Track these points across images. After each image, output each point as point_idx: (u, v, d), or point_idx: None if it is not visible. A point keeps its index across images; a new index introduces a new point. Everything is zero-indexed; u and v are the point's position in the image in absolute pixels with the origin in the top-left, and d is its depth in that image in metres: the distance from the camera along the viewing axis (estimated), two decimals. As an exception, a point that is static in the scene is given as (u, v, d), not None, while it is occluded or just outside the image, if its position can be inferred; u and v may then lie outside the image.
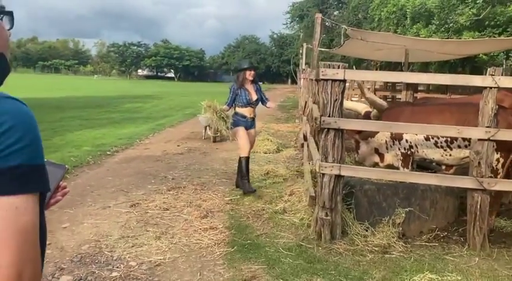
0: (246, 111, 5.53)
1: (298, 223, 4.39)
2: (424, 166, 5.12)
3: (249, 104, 5.50)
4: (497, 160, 4.11)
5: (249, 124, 5.62)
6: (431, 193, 4.14)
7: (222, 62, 79.84)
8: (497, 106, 3.74)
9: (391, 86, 16.10)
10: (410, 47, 11.19)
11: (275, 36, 72.26)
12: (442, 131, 3.83)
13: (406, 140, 4.51)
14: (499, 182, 3.68)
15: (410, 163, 4.53)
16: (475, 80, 3.70)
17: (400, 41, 11.13)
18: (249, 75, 5.49)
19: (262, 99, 5.73)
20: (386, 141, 4.68)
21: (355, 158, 5.15)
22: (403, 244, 3.89)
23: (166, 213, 4.83)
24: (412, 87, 8.03)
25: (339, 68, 3.79)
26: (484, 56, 14.45)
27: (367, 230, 4.05)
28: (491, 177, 4.07)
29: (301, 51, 21.24)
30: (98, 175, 6.62)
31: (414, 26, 16.30)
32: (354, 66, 25.91)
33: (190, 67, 79.34)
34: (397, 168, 4.62)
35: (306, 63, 22.42)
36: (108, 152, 8.29)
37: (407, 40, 11.19)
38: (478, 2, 5.71)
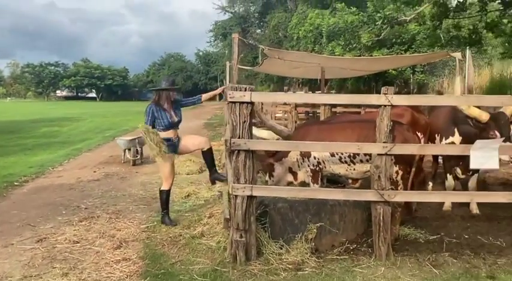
0: (170, 134, 5.07)
1: (215, 247, 4.33)
2: (335, 180, 5.33)
3: (172, 126, 5.08)
4: (397, 172, 4.39)
5: (176, 146, 5.18)
6: (340, 207, 4.31)
7: (147, 80, 78.15)
8: (392, 122, 4.03)
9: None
10: (325, 65, 11.73)
11: (201, 53, 72.41)
12: (344, 148, 4.03)
13: (314, 157, 4.68)
14: (398, 193, 3.93)
15: (319, 179, 4.70)
16: (371, 99, 3.95)
17: (315, 59, 11.65)
18: (172, 95, 5.10)
19: (189, 103, 5.52)
20: (297, 159, 4.82)
21: (267, 182, 5.17)
22: (316, 259, 3.99)
23: (76, 246, 4.55)
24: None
25: (245, 90, 3.85)
26: (393, 71, 15.62)
27: (281, 248, 4.11)
28: (392, 189, 4.35)
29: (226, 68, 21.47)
30: (2, 208, 6.09)
31: (330, 44, 17.23)
32: (275, 83, 26.75)
33: (113, 86, 76.76)
34: (309, 184, 4.77)
35: (229, 81, 22.70)
36: (15, 183, 7.69)
37: (321, 58, 11.73)
38: (377, 23, 6.19)
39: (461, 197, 4.23)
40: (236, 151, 3.88)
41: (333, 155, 4.59)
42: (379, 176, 3.85)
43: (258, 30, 33.23)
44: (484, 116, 4.52)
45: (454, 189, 5.70)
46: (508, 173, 8.01)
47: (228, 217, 4.10)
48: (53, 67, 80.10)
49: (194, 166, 8.75)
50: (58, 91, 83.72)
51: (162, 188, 5.25)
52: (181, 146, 5.26)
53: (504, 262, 3.89)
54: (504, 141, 4.36)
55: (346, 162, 4.60)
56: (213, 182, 5.46)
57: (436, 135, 5.75)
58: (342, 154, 4.54)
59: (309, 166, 4.75)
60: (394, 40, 14.94)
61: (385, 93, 3.76)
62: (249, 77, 33.25)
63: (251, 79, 34.08)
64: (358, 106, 14.35)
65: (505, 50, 7.89)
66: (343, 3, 15.24)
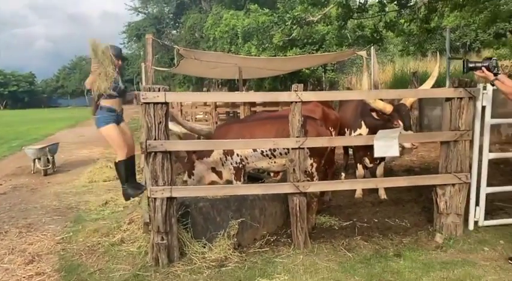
0: (115, 103, 4.54)
1: (136, 252, 4.24)
2: (254, 176, 5.46)
3: (118, 94, 4.53)
4: (311, 164, 4.63)
5: (120, 118, 4.66)
6: (259, 201, 4.44)
7: (56, 86, 73.20)
8: (306, 118, 4.25)
9: (232, 102, 16.92)
10: (241, 65, 11.90)
11: (115, 56, 69.25)
12: (262, 144, 4.17)
13: (237, 155, 4.76)
14: (312, 184, 4.14)
15: (242, 176, 4.80)
16: (283, 96, 4.12)
17: (232, 59, 11.79)
18: (118, 64, 4.61)
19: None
20: (220, 158, 4.87)
21: (184, 180, 5.14)
22: (239, 254, 4.07)
23: (-19, 267, 4.17)
24: (249, 102, 8.54)
25: (159, 90, 3.81)
26: (306, 71, 16.32)
27: (204, 247, 4.14)
28: (308, 181, 4.58)
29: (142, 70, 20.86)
30: None
31: (246, 45, 17.51)
32: (194, 84, 26.56)
33: (19, 93, 70.57)
34: (232, 182, 4.84)
35: (145, 83, 22.08)
36: None
37: (238, 59, 11.91)
38: (287, 23, 6.46)
39: (368, 184, 4.57)
40: (153, 153, 3.82)
41: (255, 150, 4.72)
42: (293, 169, 4.03)
43: (174, 31, 32.73)
44: (388, 108, 4.92)
45: (363, 177, 6.14)
46: (411, 160, 8.79)
47: (148, 220, 4.03)
48: None
49: (112, 172, 8.41)
50: (-47, 100, 75.30)
51: (118, 160, 4.65)
52: (123, 125, 4.78)
53: (409, 241, 4.28)
54: (406, 129, 4.80)
55: (267, 156, 4.75)
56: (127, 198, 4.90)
57: (346, 129, 6.13)
58: (264, 148, 4.68)
59: (232, 163, 4.81)
60: (305, 40, 15.61)
61: (295, 91, 3.95)
62: (166, 79, 32.61)
63: (169, 81, 33.43)
64: (276, 104, 14.80)
65: (403, 48, 8.66)
66: (256, 5, 15.58)
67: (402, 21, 7.80)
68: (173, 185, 3.93)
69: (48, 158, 9.06)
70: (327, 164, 6.25)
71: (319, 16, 6.59)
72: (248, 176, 5.28)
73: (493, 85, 3.80)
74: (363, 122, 5.66)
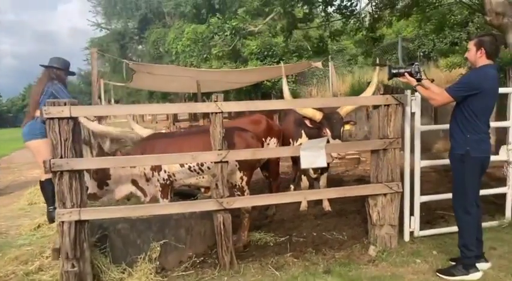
0: None
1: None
2: (186, 192, 5.19)
3: None
4: (241, 178, 4.40)
5: None
6: (185, 220, 4.16)
7: (23, 104, 71.09)
8: (236, 129, 4.04)
9: (194, 115, 16.60)
10: (198, 78, 11.69)
11: (82, 73, 68.03)
12: (179, 159, 3.92)
13: (165, 171, 4.47)
14: (237, 200, 3.90)
15: (169, 193, 4.51)
16: (201, 107, 3.91)
17: (186, 72, 11.58)
18: (64, 78, 4.71)
19: None
20: (145, 173, 4.55)
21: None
22: (161, 279, 3.78)
23: None
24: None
25: (65, 105, 3.52)
26: (268, 83, 16.20)
27: (123, 272, 3.82)
28: (238, 195, 4.35)
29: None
30: None
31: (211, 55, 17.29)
32: (162, 99, 26.12)
33: (-18, 113, 68.64)
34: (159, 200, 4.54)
35: (105, 100, 21.60)
36: None
37: (192, 72, 11.71)
38: (226, 34, 6.29)
39: (296, 196, 4.37)
40: (59, 173, 3.52)
41: (182, 165, 4.44)
42: (216, 184, 3.79)
43: (139, 46, 32.26)
44: (318, 115, 4.77)
45: (309, 189, 5.96)
46: (364, 169, 8.70)
47: (58, 246, 3.70)
48: None
49: (53, 193, 7.97)
50: None
51: (44, 179, 4.41)
52: None
53: (341, 255, 4.08)
54: (334, 138, 4.65)
55: (195, 171, 4.48)
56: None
57: (290, 139, 5.97)
58: (191, 163, 4.41)
59: (158, 180, 4.51)
60: (265, 53, 15.54)
61: (215, 101, 3.73)
62: (132, 95, 32.01)
63: (135, 96, 32.84)
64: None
65: (350, 57, 8.64)
66: (216, 18, 15.45)
67: (348, 30, 7.75)
68: (83, 206, 3.61)
69: None
70: (271, 176, 6.06)
71: (260, 26, 6.45)
72: (179, 193, 5.01)
73: (415, 91, 3.72)
74: (303, 132, 5.51)
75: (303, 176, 5.84)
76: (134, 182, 4.59)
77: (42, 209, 7.16)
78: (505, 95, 4.73)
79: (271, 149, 4.49)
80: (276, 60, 16.41)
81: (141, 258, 3.89)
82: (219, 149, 3.77)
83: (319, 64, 11.71)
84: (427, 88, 3.69)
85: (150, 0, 27.43)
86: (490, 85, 3.36)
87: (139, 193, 4.63)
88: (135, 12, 28.87)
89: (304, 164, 3.93)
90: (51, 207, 4.40)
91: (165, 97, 26.26)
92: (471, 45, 3.46)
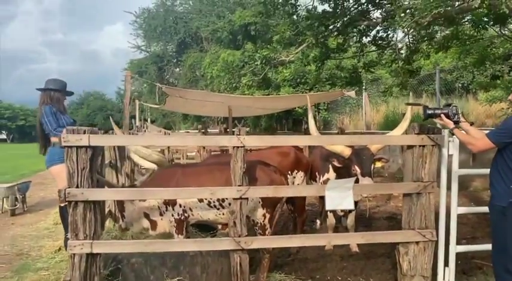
0: None
1: (58, 313, 3.76)
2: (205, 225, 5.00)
3: None
4: (264, 215, 4.18)
5: None
6: (201, 257, 3.96)
7: (63, 121, 73.88)
8: (260, 164, 3.86)
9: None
10: (228, 103, 11.68)
11: (122, 92, 70.26)
12: (197, 193, 3.75)
13: (180, 205, 4.31)
14: (255, 240, 3.68)
15: (184, 229, 4.33)
16: (223, 141, 3.75)
17: (217, 98, 11.59)
18: (62, 99, 4.71)
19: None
20: (158, 206, 4.40)
21: (121, 226, 4.63)
22: (172, 319, 3.59)
23: None
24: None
25: (84, 133, 3.46)
26: (299, 110, 16.03)
27: (134, 310, 3.66)
28: (260, 234, 4.13)
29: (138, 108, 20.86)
30: None
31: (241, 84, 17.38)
32: (198, 121, 26.39)
33: (26, 127, 71.38)
34: (173, 235, 4.36)
35: (140, 120, 21.99)
36: None
37: (223, 97, 11.70)
38: (256, 63, 6.21)
39: (319, 240, 4.08)
40: (73, 203, 3.43)
41: (201, 200, 4.27)
42: (234, 222, 3.59)
43: (177, 69, 32.99)
44: (347, 151, 4.52)
45: (334, 227, 5.66)
46: (396, 206, 8.27)
47: (69, 279, 3.57)
48: (-43, 108, 73.29)
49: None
50: (-36, 132, 76.27)
51: (63, 204, 4.46)
52: None
53: (367, 306, 3.76)
54: (363, 175, 4.37)
55: (215, 206, 4.30)
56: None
57: (317, 173, 5.73)
58: (211, 198, 4.23)
59: (173, 215, 4.35)
60: (298, 80, 15.44)
61: (237, 135, 3.58)
62: (167, 116, 32.57)
63: (170, 117, 33.40)
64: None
65: (385, 89, 8.37)
66: (251, 44, 15.56)
67: (384, 61, 7.52)
68: (96, 238, 3.49)
69: (16, 197, 8.67)
70: (296, 211, 5.81)
71: (291, 56, 6.34)
72: (199, 225, 4.83)
73: (452, 134, 3.45)
74: (330, 166, 5.26)
75: (329, 212, 5.55)
76: (146, 215, 4.45)
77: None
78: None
79: (295, 187, 4.27)
80: (308, 88, 16.29)
81: (154, 296, 3.72)
82: (238, 185, 3.58)
83: (352, 93, 11.45)
84: (465, 132, 3.41)
85: (189, 25, 28.10)
86: None
87: (152, 232, 4.48)
88: (174, 36, 29.64)
89: (329, 206, 3.68)
90: (67, 234, 4.33)
91: (199, 119, 26.57)
92: None
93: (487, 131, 3.24)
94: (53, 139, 4.61)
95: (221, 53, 20.51)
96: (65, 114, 4.85)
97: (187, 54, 27.94)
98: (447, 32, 7.73)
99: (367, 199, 5.74)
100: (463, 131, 3.41)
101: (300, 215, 5.81)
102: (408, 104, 4.19)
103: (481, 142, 3.18)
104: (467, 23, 7.48)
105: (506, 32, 8.08)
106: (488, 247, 4.17)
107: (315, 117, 17.95)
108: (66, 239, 4.48)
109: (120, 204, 4.42)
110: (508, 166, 3.11)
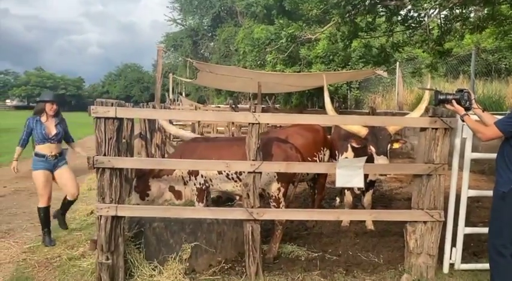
0: (44, 148, 4.95)
1: (86, 269, 4.14)
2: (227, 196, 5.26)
3: (47, 139, 4.93)
4: (278, 189, 4.38)
5: (52, 164, 5.04)
6: (218, 225, 4.22)
7: (102, 91, 76.11)
8: (276, 140, 4.04)
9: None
10: (258, 79, 11.80)
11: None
12: (213, 166, 3.98)
13: (202, 175, 4.57)
14: (267, 211, 3.89)
15: (204, 198, 4.60)
16: (238, 118, 3.93)
17: (246, 74, 11.72)
18: (50, 109, 5.00)
19: (67, 138, 5.37)
20: (183, 177, 4.69)
21: (129, 201, 4.91)
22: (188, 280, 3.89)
23: None
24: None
25: (112, 105, 3.72)
26: (330, 87, 15.92)
27: (154, 270, 3.98)
28: (274, 206, 4.34)
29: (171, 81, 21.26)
30: None
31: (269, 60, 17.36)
32: (230, 96, 26.67)
33: (67, 96, 74.04)
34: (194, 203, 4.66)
35: (174, 93, 22.41)
36: None
37: (252, 73, 11.81)
38: (282, 41, 6.26)
39: (327, 215, 4.24)
40: (101, 169, 3.73)
41: (220, 172, 4.51)
42: (247, 194, 3.81)
43: (211, 43, 33.19)
44: (363, 131, 4.61)
45: (352, 204, 5.79)
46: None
47: (96, 238, 3.92)
48: (2, 75, 76.85)
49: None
50: (8, 100, 79.97)
51: (38, 206, 5.05)
52: (57, 173, 5.17)
53: (372, 280, 3.93)
54: (378, 154, 4.46)
55: (233, 179, 4.53)
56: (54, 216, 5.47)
57: (336, 152, 5.84)
58: (229, 170, 4.47)
59: (195, 184, 4.63)
60: (331, 57, 15.28)
61: (253, 112, 3.74)
62: (200, 89, 33.03)
63: (203, 91, 33.83)
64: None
65: (414, 70, 8.22)
66: (283, 19, 15.43)
67: (413, 42, 7.38)
68: (121, 203, 3.80)
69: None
70: (317, 188, 5.98)
71: (317, 34, 6.34)
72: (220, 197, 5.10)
73: (463, 121, 3.45)
74: (349, 146, 5.35)
75: (346, 191, 5.68)
76: (171, 188, 4.74)
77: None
78: None
79: (306, 164, 4.41)
80: (341, 65, 16.10)
81: (172, 258, 4.02)
82: (252, 160, 3.78)
83: (383, 72, 11.32)
84: (478, 117, 3.43)
85: (224, -1, 28.11)
86: None
87: (175, 201, 4.78)
88: (209, 9, 29.73)
89: (339, 183, 3.82)
90: (44, 230, 5.09)
91: (232, 94, 26.84)
92: None
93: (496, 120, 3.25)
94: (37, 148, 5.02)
95: (254, 28, 20.45)
96: (43, 124, 5.05)
97: (222, 29, 28.06)
98: (485, 12, 7.48)
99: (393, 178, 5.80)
100: (474, 118, 3.42)
101: (319, 192, 5.97)
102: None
103: (490, 131, 3.17)
104: (504, 3, 7.21)
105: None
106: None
107: (346, 96, 17.81)
108: (43, 235, 5.01)
109: (143, 183, 4.74)
110: None
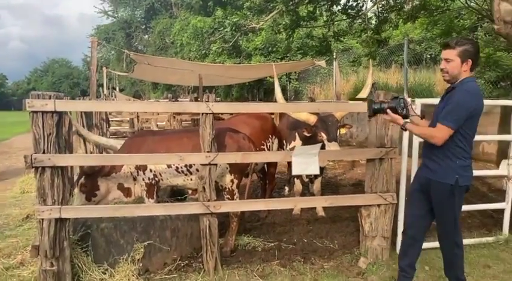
0: None
1: (28, 278, 3.78)
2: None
3: None
4: (232, 181, 4.27)
5: None
6: (171, 221, 4.04)
7: (28, 88, 70.96)
8: (228, 131, 3.91)
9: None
10: (199, 72, 11.55)
11: (88, 59, 67.89)
12: (166, 159, 3.79)
13: (151, 170, 4.35)
14: (224, 204, 3.78)
15: (155, 193, 4.38)
16: (191, 107, 3.77)
17: (188, 66, 11.44)
18: None
19: None
20: (131, 173, 4.43)
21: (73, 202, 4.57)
22: (142, 281, 3.68)
23: None
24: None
25: (50, 98, 3.39)
26: (270, 79, 16.03)
27: (105, 273, 3.72)
28: (228, 198, 4.23)
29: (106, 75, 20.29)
30: None
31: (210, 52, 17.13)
32: (167, 90, 25.96)
33: (-13, 95, 68.63)
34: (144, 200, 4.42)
35: (108, 88, 21.45)
36: None
37: (194, 65, 11.56)
38: (226, 30, 6.14)
39: (285, 203, 4.24)
40: (40, 168, 3.40)
41: (169, 166, 4.31)
42: (203, 187, 3.67)
43: (146, 36, 32.09)
44: (312, 119, 4.63)
45: (302, 192, 5.84)
46: (362, 172, 8.54)
47: (38, 243, 3.58)
48: None
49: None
50: None
51: None
52: None
53: (330, 266, 3.95)
54: (329, 141, 4.51)
55: (183, 172, 4.35)
56: None
57: (284, 141, 5.84)
58: (179, 164, 4.28)
59: (144, 179, 4.38)
60: (270, 48, 15.37)
61: (206, 101, 3.60)
62: (136, 84, 31.87)
63: (140, 86, 32.66)
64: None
65: (354, 58, 8.49)
66: (222, 10, 15.25)
67: (353, 31, 7.57)
68: (64, 204, 3.50)
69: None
70: (267, 179, 5.94)
71: (261, 23, 6.29)
72: (174, 191, 4.89)
73: (404, 130, 3.13)
74: (297, 134, 5.37)
75: (296, 179, 5.71)
76: (120, 185, 4.46)
77: (34, 198, 7.07)
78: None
79: (262, 153, 4.35)
80: (280, 57, 16.26)
81: (123, 259, 3.78)
82: (207, 151, 3.64)
83: (322, 63, 11.54)
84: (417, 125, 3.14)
85: (158, -11, 27.27)
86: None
87: (124, 199, 4.51)
88: (142, 1, 28.68)
89: (295, 171, 3.80)
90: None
91: (169, 88, 26.18)
92: (453, 55, 2.88)
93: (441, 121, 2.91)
94: None
95: (191, 20, 20.06)
96: None
97: (157, 21, 27.22)
98: (416, 2, 7.84)
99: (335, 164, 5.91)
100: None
101: (270, 182, 5.94)
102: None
103: (442, 132, 2.87)
104: (435, -7, 7.61)
105: (472, 4, 8.26)
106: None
107: (285, 87, 18.04)
108: None
109: (91, 182, 4.40)
110: (455, 143, 2.92)
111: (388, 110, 3.05)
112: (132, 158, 3.81)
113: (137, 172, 4.38)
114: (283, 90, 18.08)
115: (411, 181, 3.40)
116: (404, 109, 3.03)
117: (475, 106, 2.87)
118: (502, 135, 4.81)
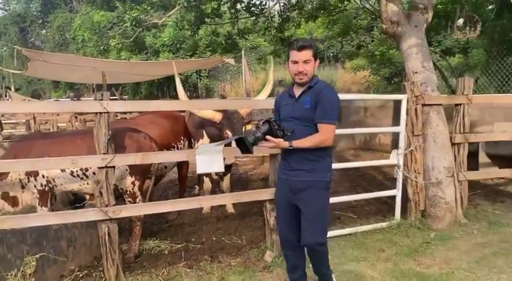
0: None
1: None
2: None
3: None
4: (133, 183, 4.09)
5: None
6: (67, 230, 3.76)
7: None
8: (129, 130, 3.71)
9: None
10: (102, 69, 10.93)
11: (-24, 56, 61.14)
12: (57, 163, 3.50)
13: (43, 176, 3.99)
14: (124, 208, 3.60)
15: (48, 200, 4.04)
16: (83, 107, 3.53)
17: (89, 62, 10.78)
18: None
19: None
20: (20, 180, 4.03)
21: None
22: (34, 298, 3.37)
23: None
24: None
25: None
26: (180, 76, 15.76)
27: (-10, 293, 3.35)
28: (130, 202, 4.04)
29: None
30: None
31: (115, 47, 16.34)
32: (70, 88, 24.25)
33: None
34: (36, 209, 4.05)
35: (2, 87, 19.54)
36: None
37: (97, 62, 10.93)
38: (126, 25, 5.89)
39: (190, 203, 4.14)
40: None
41: (63, 170, 4.00)
42: (100, 192, 3.45)
43: (43, 31, 29.63)
44: (217, 116, 4.60)
45: (212, 190, 5.80)
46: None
47: None
48: None
49: None
50: None
51: None
52: None
53: (237, 262, 3.96)
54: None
55: (78, 176, 4.06)
56: None
57: (192, 140, 5.74)
58: (74, 168, 3.98)
59: (35, 186, 4.02)
60: (178, 45, 15.08)
61: (100, 100, 3.38)
62: (34, 82, 29.34)
63: (38, 84, 30.13)
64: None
65: (260, 56, 8.66)
66: (125, 3, 14.59)
67: (258, 29, 7.69)
68: None
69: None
70: (179, 179, 5.82)
71: (164, 19, 6.11)
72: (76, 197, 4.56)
73: (292, 148, 2.85)
74: (204, 132, 5.31)
75: (205, 177, 5.65)
76: (4, 195, 4.04)
77: None
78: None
79: (164, 153, 4.21)
80: (189, 54, 16.04)
81: (12, 275, 3.43)
82: (103, 153, 3.43)
83: (231, 60, 11.59)
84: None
85: (55, -19, 25.41)
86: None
87: (11, 209, 4.09)
88: (37, -7, 26.48)
89: (200, 169, 3.71)
90: None
91: (72, 87, 24.50)
92: (310, 55, 2.82)
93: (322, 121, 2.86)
94: None
95: (94, 14, 18.96)
96: None
97: (55, 15, 25.27)
98: (316, 2, 8.19)
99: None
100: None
101: (182, 184, 5.84)
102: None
103: (328, 132, 2.82)
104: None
105: (367, 5, 8.85)
106: (348, 198, 4.75)
107: (196, 85, 17.88)
108: None
109: None
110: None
111: (268, 137, 2.78)
112: (20, 164, 3.45)
113: (28, 178, 4.00)
114: (195, 87, 17.91)
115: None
116: (280, 130, 2.80)
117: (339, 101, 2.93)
118: (393, 127, 5.18)
